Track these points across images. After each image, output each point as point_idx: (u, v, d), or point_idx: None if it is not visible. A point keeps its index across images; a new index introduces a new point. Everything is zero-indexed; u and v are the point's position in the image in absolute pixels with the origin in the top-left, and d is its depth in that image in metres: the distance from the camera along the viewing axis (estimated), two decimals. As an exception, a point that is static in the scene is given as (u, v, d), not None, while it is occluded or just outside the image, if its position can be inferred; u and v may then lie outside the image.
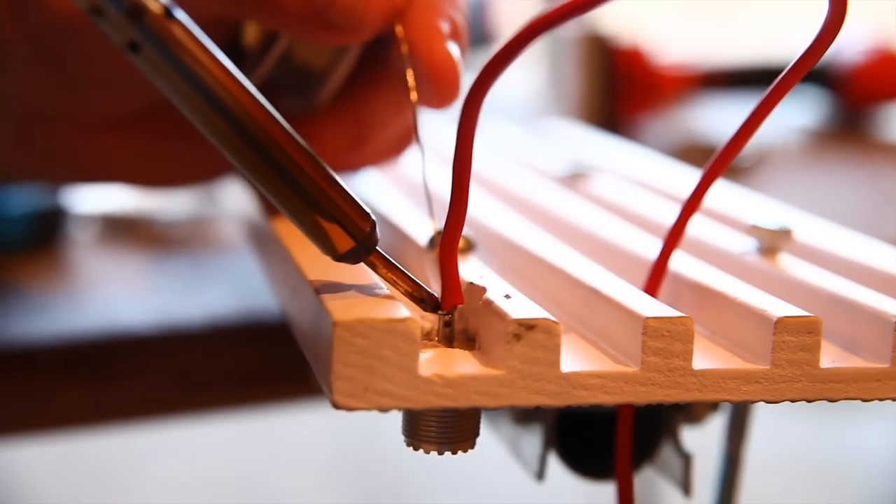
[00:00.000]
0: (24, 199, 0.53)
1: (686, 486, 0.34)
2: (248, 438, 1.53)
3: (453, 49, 0.33)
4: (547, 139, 0.57)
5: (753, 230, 0.35)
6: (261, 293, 0.46)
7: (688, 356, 0.27)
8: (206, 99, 0.25)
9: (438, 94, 0.32)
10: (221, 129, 0.25)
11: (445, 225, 0.28)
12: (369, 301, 0.27)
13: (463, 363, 0.27)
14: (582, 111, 0.82)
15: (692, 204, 0.32)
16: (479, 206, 0.39)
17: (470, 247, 0.34)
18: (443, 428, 0.29)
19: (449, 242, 0.28)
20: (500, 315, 0.27)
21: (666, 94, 0.85)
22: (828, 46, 0.29)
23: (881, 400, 0.28)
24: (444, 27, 0.33)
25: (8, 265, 0.51)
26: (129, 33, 0.24)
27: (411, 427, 0.29)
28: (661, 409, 0.34)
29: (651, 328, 0.27)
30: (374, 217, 0.28)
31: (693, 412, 0.35)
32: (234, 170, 0.41)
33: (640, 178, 0.47)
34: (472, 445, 0.29)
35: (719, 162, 0.31)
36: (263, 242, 0.39)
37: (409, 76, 0.33)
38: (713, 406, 0.35)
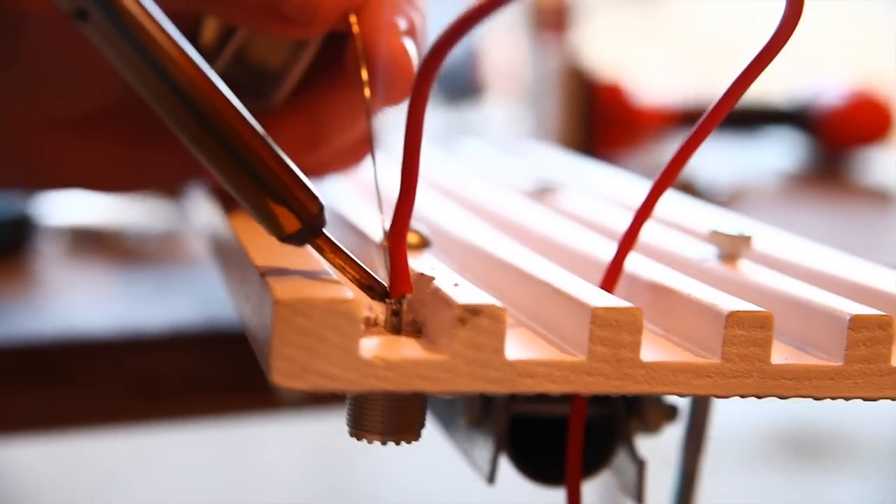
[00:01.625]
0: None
1: (639, 494, 0.33)
2: (206, 448, 1.52)
3: (408, 45, 0.33)
4: (519, 157, 0.57)
5: (713, 236, 0.35)
6: (224, 304, 0.46)
7: (636, 347, 0.27)
8: (153, 69, 0.25)
9: (391, 89, 0.32)
10: (168, 100, 0.25)
11: (395, 212, 0.28)
12: (314, 283, 0.27)
13: (406, 348, 0.27)
14: (561, 144, 0.82)
15: (648, 205, 0.31)
16: (439, 211, 0.39)
17: (425, 244, 0.33)
18: (387, 417, 0.28)
19: (398, 230, 0.28)
20: (446, 301, 0.26)
21: (645, 130, 0.85)
22: (783, 44, 0.29)
23: (833, 398, 0.28)
24: (401, 23, 0.33)
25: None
26: (78, 1, 0.24)
27: (356, 416, 0.28)
28: (615, 415, 0.34)
29: (599, 317, 0.26)
30: (322, 200, 0.27)
31: (648, 420, 0.34)
32: (192, 176, 0.40)
33: (607, 192, 0.46)
34: (417, 437, 0.29)
35: (680, 156, 0.31)
36: (222, 244, 0.39)
37: (363, 72, 0.33)
38: (669, 414, 0.35)
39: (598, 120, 0.84)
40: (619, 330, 0.27)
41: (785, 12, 0.29)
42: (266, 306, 0.26)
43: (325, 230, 0.28)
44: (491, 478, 0.33)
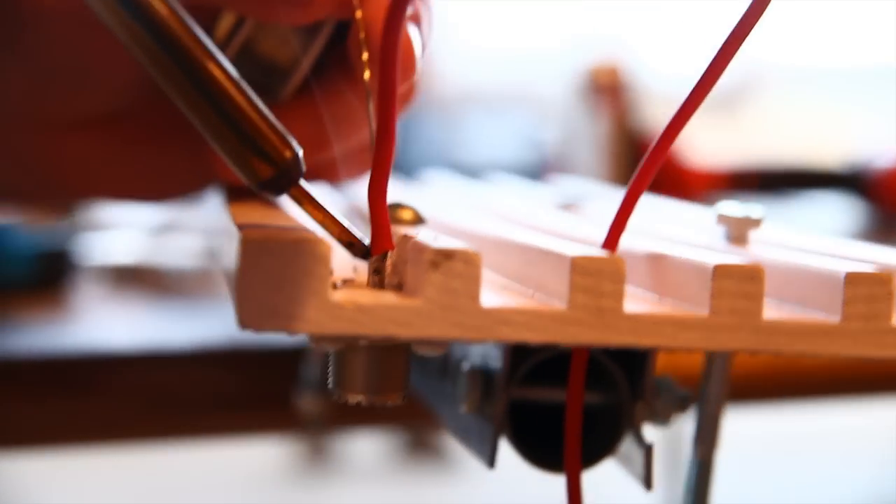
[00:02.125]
0: (32, 239, 0.54)
1: (647, 479, 0.32)
2: (226, 462, 1.51)
3: (411, 30, 0.33)
4: (552, 185, 0.56)
5: (721, 218, 0.34)
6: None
7: (618, 297, 0.26)
8: (123, 6, 0.25)
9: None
10: (142, 40, 0.25)
11: (373, 164, 0.27)
12: (286, 230, 0.26)
13: (381, 295, 0.26)
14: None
15: (643, 176, 0.31)
16: (446, 212, 0.38)
17: (419, 220, 0.33)
18: (369, 374, 0.27)
19: (377, 184, 0.27)
20: (420, 248, 0.26)
21: (693, 191, 0.84)
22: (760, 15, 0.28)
23: (831, 356, 0.27)
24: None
25: (9, 302, 0.51)
26: None
27: (337, 376, 0.28)
28: (620, 402, 0.32)
29: (579, 265, 0.26)
30: (298, 149, 0.27)
31: (658, 409, 0.33)
32: (210, 181, 0.41)
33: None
34: (401, 398, 0.28)
35: (671, 128, 0.30)
36: (223, 234, 0.39)
37: (364, 56, 0.33)
38: (680, 403, 0.33)
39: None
40: (600, 278, 0.26)
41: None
42: (237, 249, 0.26)
43: (302, 182, 0.27)
44: (491, 462, 0.32)
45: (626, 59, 1.10)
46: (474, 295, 0.25)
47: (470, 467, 2.01)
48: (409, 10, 0.34)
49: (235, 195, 0.39)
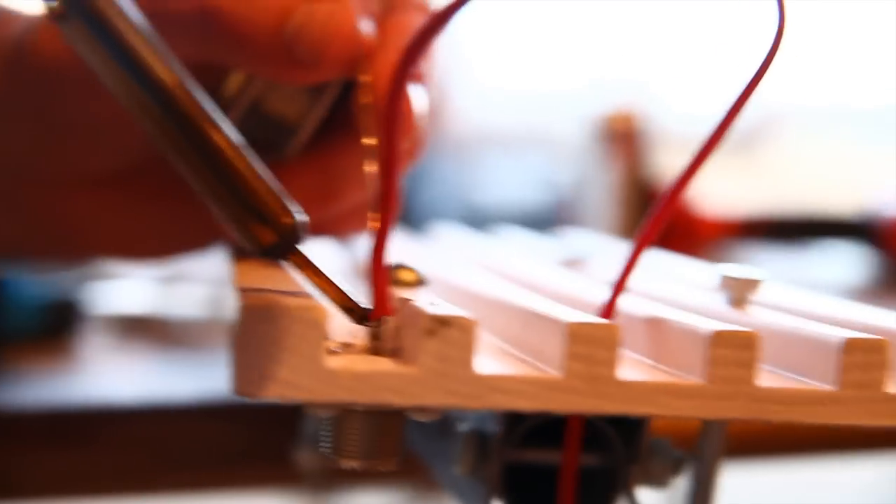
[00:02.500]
0: (38, 289, 0.54)
1: (643, 544, 0.32)
2: None
3: (413, 90, 0.33)
4: (559, 239, 0.56)
5: (724, 280, 0.34)
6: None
7: (612, 364, 0.26)
8: (131, 73, 0.25)
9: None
10: (145, 106, 0.26)
11: (375, 231, 0.28)
12: (285, 296, 0.27)
13: (377, 362, 0.26)
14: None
15: (648, 234, 0.31)
16: (448, 271, 0.39)
17: (420, 282, 0.33)
18: (364, 439, 0.28)
19: (379, 249, 0.28)
20: (417, 314, 0.26)
21: (704, 239, 0.84)
22: (772, 62, 0.29)
23: (826, 424, 0.27)
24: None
25: (15, 353, 0.52)
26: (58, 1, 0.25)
27: (333, 440, 0.28)
28: (615, 464, 0.32)
29: (573, 333, 0.26)
30: (299, 217, 0.28)
31: (652, 471, 0.33)
32: (218, 238, 0.41)
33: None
34: (395, 464, 0.28)
35: (680, 183, 0.30)
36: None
37: (370, 119, 0.34)
38: (675, 466, 0.33)
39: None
40: (594, 346, 0.26)
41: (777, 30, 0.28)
42: (235, 317, 0.26)
43: (303, 249, 0.28)
44: (487, 524, 0.32)
45: (643, 102, 1.10)
46: (468, 362, 0.25)
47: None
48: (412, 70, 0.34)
49: (242, 253, 0.39)
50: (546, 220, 1.10)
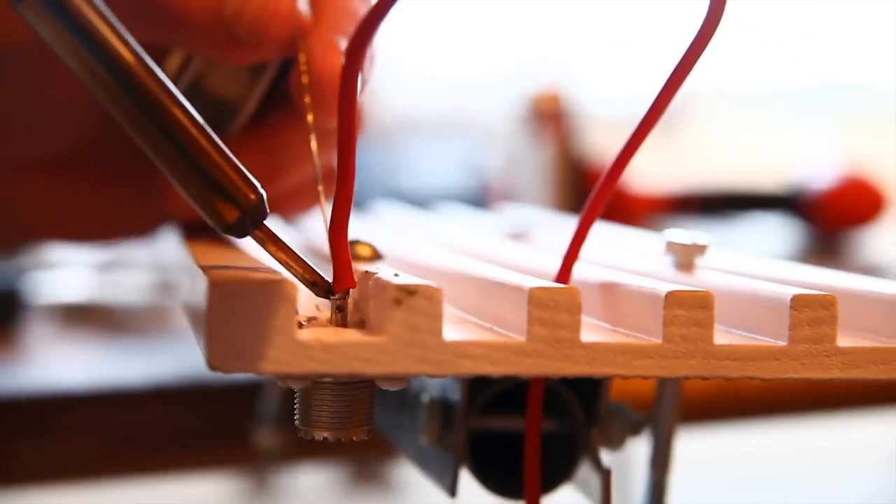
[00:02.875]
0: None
1: (605, 503, 0.33)
2: (184, 499, 1.51)
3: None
4: (500, 214, 0.57)
5: (669, 246, 0.35)
6: (202, 360, 0.46)
7: (575, 328, 0.27)
8: (90, 52, 0.26)
9: (327, 105, 0.33)
10: (108, 86, 0.26)
11: (333, 203, 0.28)
12: (251, 271, 0.27)
13: (345, 332, 0.27)
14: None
15: (594, 207, 0.32)
16: (402, 244, 0.39)
17: (376, 256, 0.34)
18: (334, 410, 0.28)
19: (338, 223, 0.28)
20: (383, 286, 0.27)
21: (637, 215, 0.86)
22: (707, 43, 0.29)
23: (780, 379, 0.28)
24: (343, 44, 0.34)
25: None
26: None
27: (304, 412, 0.28)
28: (576, 428, 0.33)
29: (536, 298, 0.27)
30: (262, 191, 0.28)
31: (612, 434, 0.34)
32: (166, 220, 0.41)
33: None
34: (366, 433, 0.29)
35: (620, 159, 0.31)
36: (182, 273, 0.39)
37: (306, 96, 0.34)
38: (634, 428, 0.34)
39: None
40: (557, 310, 0.27)
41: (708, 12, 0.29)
42: (204, 293, 0.26)
43: (266, 223, 0.28)
44: (452, 492, 0.33)
45: (568, 85, 1.11)
46: (436, 330, 0.26)
47: (416, 497, 2.01)
48: (345, 46, 0.35)
49: (191, 233, 0.40)
50: (473, 203, 1.11)
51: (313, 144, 0.35)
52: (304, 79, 0.35)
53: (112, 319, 0.56)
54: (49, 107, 0.37)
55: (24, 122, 0.37)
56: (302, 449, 0.46)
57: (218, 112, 0.37)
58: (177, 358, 0.48)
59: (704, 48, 0.30)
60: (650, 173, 0.91)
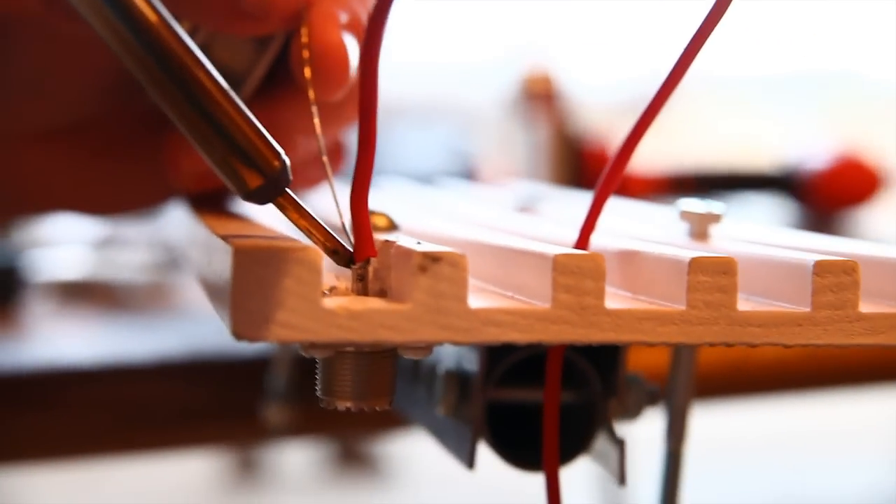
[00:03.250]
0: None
1: (621, 475, 0.33)
2: (193, 474, 1.51)
3: (347, 38, 0.34)
4: (505, 189, 0.57)
5: (684, 214, 0.35)
6: (208, 336, 0.46)
7: (600, 294, 0.27)
8: (115, 14, 0.25)
9: (326, 79, 0.33)
10: (133, 48, 0.26)
11: (354, 173, 0.28)
12: (274, 239, 0.27)
13: (370, 301, 0.27)
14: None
15: (611, 178, 0.32)
16: (415, 218, 0.39)
17: (393, 227, 0.33)
18: (357, 380, 0.28)
19: (359, 192, 0.28)
20: (406, 254, 0.26)
21: (633, 195, 0.85)
22: (717, 23, 0.29)
23: (803, 346, 0.28)
24: (342, 17, 0.34)
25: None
26: None
27: (326, 382, 0.28)
28: (593, 399, 0.33)
29: (560, 264, 0.26)
30: (285, 157, 0.28)
31: (628, 403, 0.34)
32: (170, 194, 0.41)
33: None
34: (389, 402, 0.28)
35: (627, 146, 0.31)
36: (195, 246, 0.39)
37: (307, 69, 0.34)
38: (649, 398, 0.34)
39: (586, 184, 0.84)
40: (581, 277, 0.26)
41: None
42: (227, 263, 0.26)
43: (288, 190, 0.28)
44: (470, 463, 0.33)
45: (556, 69, 1.11)
46: (462, 297, 0.26)
47: (399, 476, 2.01)
48: (346, 19, 0.34)
49: (199, 207, 0.39)
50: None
51: (316, 120, 0.35)
52: (305, 53, 0.35)
53: (112, 296, 0.56)
54: (54, 74, 0.36)
55: (30, 90, 0.37)
56: (307, 425, 0.46)
57: None
58: (181, 334, 0.48)
59: (714, 27, 0.30)
60: (644, 154, 0.91)
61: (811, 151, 0.94)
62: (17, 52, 0.36)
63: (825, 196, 0.91)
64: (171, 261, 0.58)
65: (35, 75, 0.36)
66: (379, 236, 0.29)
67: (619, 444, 0.33)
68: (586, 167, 0.84)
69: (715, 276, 0.27)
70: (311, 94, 0.34)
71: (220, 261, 0.27)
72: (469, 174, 1.10)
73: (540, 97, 0.94)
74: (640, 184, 0.86)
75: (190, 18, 0.36)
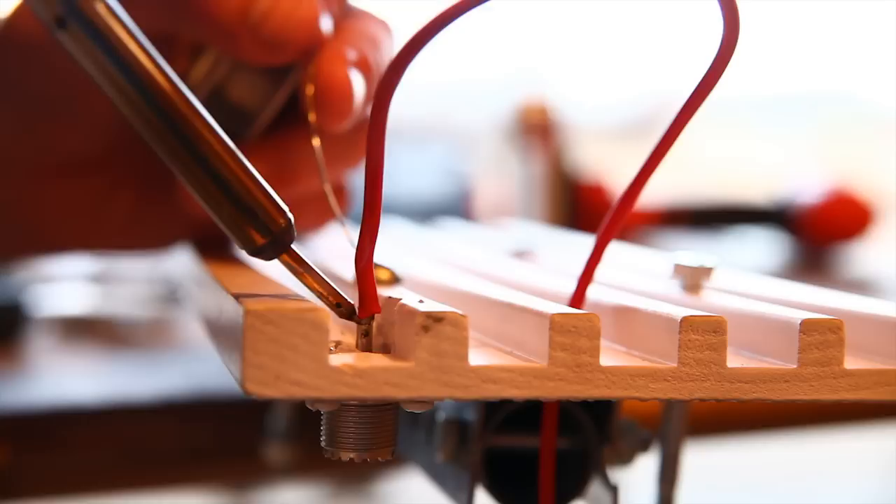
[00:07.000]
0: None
1: (615, 520, 0.34)
2: None
3: (353, 74, 0.35)
4: (501, 230, 0.58)
5: (677, 268, 0.36)
6: (212, 375, 0.47)
7: (595, 352, 0.28)
8: (127, 78, 0.26)
9: (328, 112, 0.34)
10: (145, 113, 0.27)
11: (360, 232, 0.29)
12: (283, 299, 0.28)
13: (375, 359, 0.28)
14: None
15: (612, 225, 0.33)
16: (412, 264, 0.40)
17: (395, 280, 0.34)
18: (360, 432, 0.29)
19: (364, 250, 0.29)
20: (410, 313, 0.28)
21: (628, 229, 0.87)
22: (726, 66, 0.31)
23: (790, 401, 0.29)
24: (350, 55, 0.35)
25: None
26: (56, 9, 0.26)
27: (329, 434, 0.29)
28: (588, 446, 0.34)
29: (557, 323, 0.28)
30: (290, 215, 0.29)
31: (621, 450, 0.35)
32: (185, 237, 0.42)
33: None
34: (392, 453, 0.29)
35: (632, 191, 0.32)
36: (202, 294, 0.40)
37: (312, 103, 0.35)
38: (642, 444, 0.35)
39: (581, 219, 0.85)
40: (577, 335, 0.28)
41: (723, 36, 0.30)
42: (238, 318, 0.27)
43: (294, 247, 0.29)
44: (468, 508, 0.34)
45: (551, 92, 1.12)
46: (463, 355, 0.27)
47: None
48: (354, 56, 0.36)
49: (205, 249, 0.40)
50: (454, 210, 1.12)
51: (317, 153, 0.36)
52: (310, 89, 0.36)
53: (114, 333, 0.57)
54: (77, 98, 0.37)
55: (52, 112, 0.38)
56: (307, 464, 0.47)
57: (236, 119, 0.39)
58: (182, 371, 0.48)
59: (723, 71, 0.31)
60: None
61: (805, 185, 0.96)
62: (45, 73, 0.37)
63: (818, 230, 0.92)
64: (171, 294, 0.59)
65: (59, 100, 0.37)
66: (383, 292, 0.31)
67: (613, 489, 0.34)
68: (582, 203, 0.86)
69: (705, 334, 0.28)
70: (312, 116, 0.36)
71: (231, 315, 0.29)
72: (464, 197, 1.11)
73: (536, 129, 0.96)
74: (634, 217, 0.87)
75: (208, 42, 0.38)
